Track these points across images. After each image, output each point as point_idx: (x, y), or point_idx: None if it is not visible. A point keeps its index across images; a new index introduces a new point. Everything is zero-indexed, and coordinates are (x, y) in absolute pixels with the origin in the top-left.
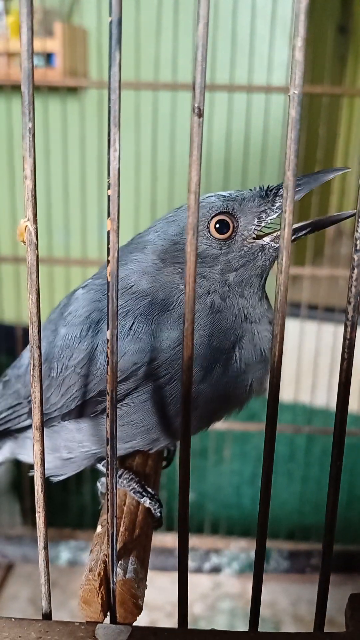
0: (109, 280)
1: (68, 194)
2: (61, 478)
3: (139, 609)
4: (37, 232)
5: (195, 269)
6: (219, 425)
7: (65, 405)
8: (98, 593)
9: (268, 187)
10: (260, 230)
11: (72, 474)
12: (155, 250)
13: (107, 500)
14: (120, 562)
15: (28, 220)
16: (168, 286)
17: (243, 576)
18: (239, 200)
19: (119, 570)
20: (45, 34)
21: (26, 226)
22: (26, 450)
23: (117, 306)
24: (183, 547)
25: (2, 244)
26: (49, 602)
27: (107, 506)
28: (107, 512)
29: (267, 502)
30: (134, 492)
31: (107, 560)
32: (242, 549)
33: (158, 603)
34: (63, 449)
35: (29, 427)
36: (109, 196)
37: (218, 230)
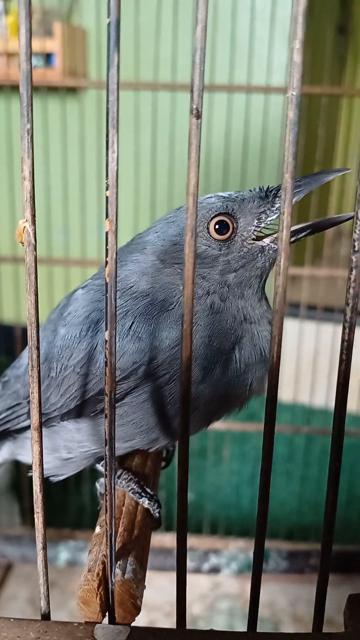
0: (107, 281)
1: (67, 194)
2: (61, 478)
3: (137, 610)
4: (35, 233)
5: (194, 271)
6: (218, 425)
7: (64, 405)
8: (97, 593)
9: (268, 188)
10: (260, 232)
11: (72, 474)
12: (155, 250)
13: (106, 500)
14: (119, 562)
15: (26, 221)
16: (168, 287)
17: (242, 576)
18: (238, 201)
19: (118, 571)
20: (44, 34)
21: (24, 227)
22: (26, 450)
23: (116, 307)
24: (181, 548)
25: (1, 244)
26: (48, 603)
27: (106, 507)
28: (106, 512)
29: (265, 502)
30: (132, 493)
31: (105, 560)
32: (241, 549)
33: (157, 603)
34: (62, 449)
35: (29, 427)
36: (107, 197)
37: (218, 231)
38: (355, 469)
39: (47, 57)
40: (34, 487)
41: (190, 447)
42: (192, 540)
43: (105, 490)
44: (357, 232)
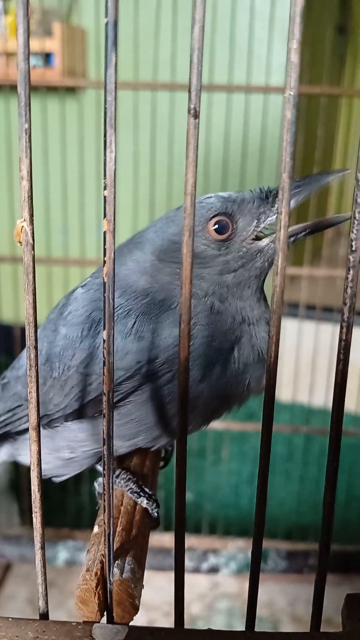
0: (105, 281)
1: (67, 194)
2: (63, 478)
3: (135, 609)
4: (33, 233)
5: (192, 270)
6: (217, 425)
7: (69, 405)
8: (95, 593)
9: (268, 188)
10: (260, 232)
11: (74, 473)
12: (155, 249)
13: (104, 500)
14: (117, 562)
15: (24, 220)
16: (167, 286)
17: (241, 576)
18: (238, 202)
19: (116, 570)
20: (44, 34)
21: (22, 227)
22: (26, 451)
23: (114, 307)
24: (179, 547)
25: (0, 243)
26: (46, 602)
27: (104, 506)
28: (104, 512)
29: (263, 502)
30: (131, 492)
31: (104, 560)
32: (240, 549)
33: (156, 603)
34: (65, 449)
35: None
36: (105, 197)
37: (217, 231)
38: (354, 468)
39: (47, 57)
40: (32, 487)
41: (189, 447)
42: (191, 540)
43: (104, 489)
44: (355, 232)
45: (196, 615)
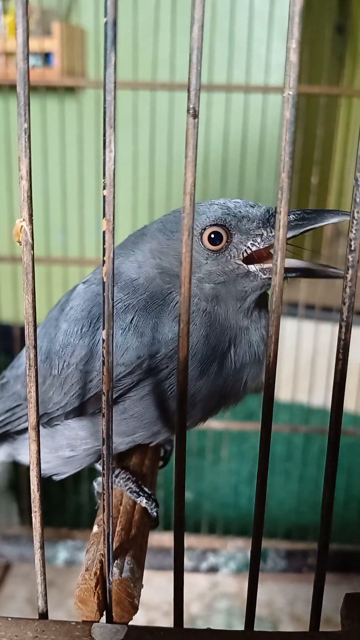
0: (105, 280)
1: (66, 194)
2: (64, 476)
3: (135, 609)
4: (32, 232)
5: (191, 269)
6: (217, 425)
7: (69, 403)
8: (94, 592)
9: (274, 210)
10: (253, 252)
11: (75, 471)
12: (154, 247)
13: (104, 499)
14: (116, 561)
15: (24, 220)
16: (166, 283)
17: (240, 575)
18: (239, 217)
19: (115, 570)
20: (43, 34)
21: (22, 226)
22: (26, 450)
23: (113, 306)
24: (179, 547)
25: None
26: (45, 602)
27: (103, 506)
28: (104, 511)
29: (262, 502)
30: (130, 492)
31: (103, 559)
32: (239, 548)
33: (155, 602)
34: (65, 447)
35: None
36: (104, 197)
37: (210, 241)
38: (353, 468)
39: (46, 57)
40: (32, 487)
41: (189, 446)
42: (190, 540)
43: (103, 489)
44: (354, 232)
45: (195, 614)
